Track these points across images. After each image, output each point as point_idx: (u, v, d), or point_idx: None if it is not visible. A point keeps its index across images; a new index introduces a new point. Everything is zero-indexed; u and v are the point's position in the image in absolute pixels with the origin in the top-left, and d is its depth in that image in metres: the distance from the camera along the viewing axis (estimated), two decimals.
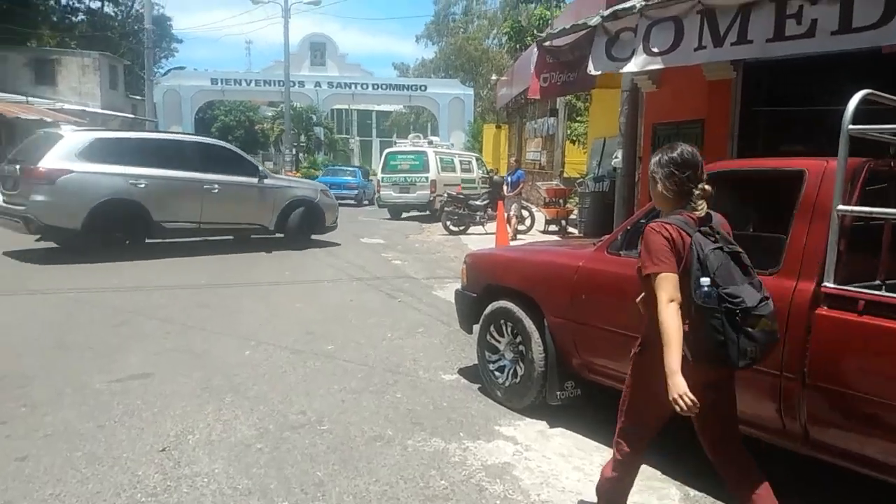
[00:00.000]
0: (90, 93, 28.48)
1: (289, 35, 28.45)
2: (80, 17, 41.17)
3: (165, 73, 38.65)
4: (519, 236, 13.73)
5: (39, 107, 23.29)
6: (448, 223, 15.23)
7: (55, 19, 37.73)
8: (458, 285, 5.16)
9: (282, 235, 11.46)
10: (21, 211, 9.16)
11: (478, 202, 15.45)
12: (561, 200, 15.23)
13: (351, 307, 7.08)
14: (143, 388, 4.51)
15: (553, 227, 14.95)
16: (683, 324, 2.39)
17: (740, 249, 2.49)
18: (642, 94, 9.17)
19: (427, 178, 18.76)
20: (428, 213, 18.05)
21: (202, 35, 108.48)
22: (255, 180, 11.15)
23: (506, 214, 15.08)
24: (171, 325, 6.13)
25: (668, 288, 2.40)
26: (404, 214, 19.50)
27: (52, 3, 37.87)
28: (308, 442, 3.75)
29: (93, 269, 8.78)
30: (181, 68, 43.03)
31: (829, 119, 3.16)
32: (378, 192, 19.69)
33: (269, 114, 41.26)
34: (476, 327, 4.77)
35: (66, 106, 24.75)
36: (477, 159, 23.19)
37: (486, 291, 4.59)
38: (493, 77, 35.59)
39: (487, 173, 21.99)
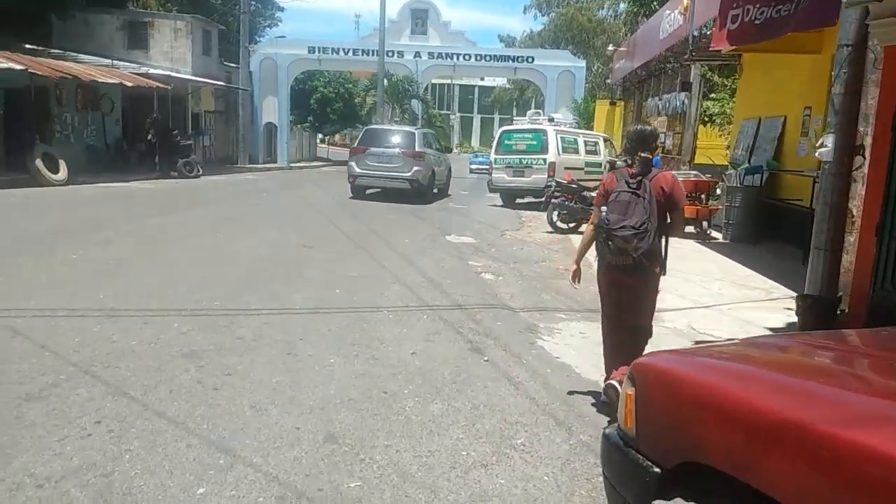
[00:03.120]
0: (181, 58, 27.23)
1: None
2: None
3: (259, 41, 37.35)
4: None
5: (123, 70, 22.05)
6: (555, 218, 12.45)
7: None
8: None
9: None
10: (408, 176, 15.86)
11: (593, 193, 12.53)
12: (703, 195, 12.10)
13: (410, 371, 4.52)
14: None
15: (690, 229, 11.86)
16: None
17: (649, 196, 3.69)
18: (877, 51, 6.07)
19: (545, 160, 16.22)
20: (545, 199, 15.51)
21: (310, 8, 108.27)
22: (445, 155, 19.75)
23: None
24: (114, 402, 3.79)
25: (592, 216, 4.04)
26: (518, 201, 17.11)
27: None
28: None
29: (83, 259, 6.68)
30: (282, 37, 41.88)
31: None
32: (490, 174, 17.35)
33: (365, 83, 39.28)
34: None
35: (152, 70, 23.43)
36: (605, 140, 20.17)
37: (691, 471, 1.89)
38: (610, 47, 31.95)
39: (617, 157, 19.06)
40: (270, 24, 45.43)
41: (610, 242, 3.74)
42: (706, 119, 18.41)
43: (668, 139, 20.56)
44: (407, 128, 18.91)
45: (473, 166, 35.62)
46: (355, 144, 17.80)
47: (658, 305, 6.73)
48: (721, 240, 11.54)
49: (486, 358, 4.84)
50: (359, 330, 5.35)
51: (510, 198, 17.48)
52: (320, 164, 42.27)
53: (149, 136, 21.99)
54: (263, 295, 6.29)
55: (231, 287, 6.51)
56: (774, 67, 12.30)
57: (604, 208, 3.82)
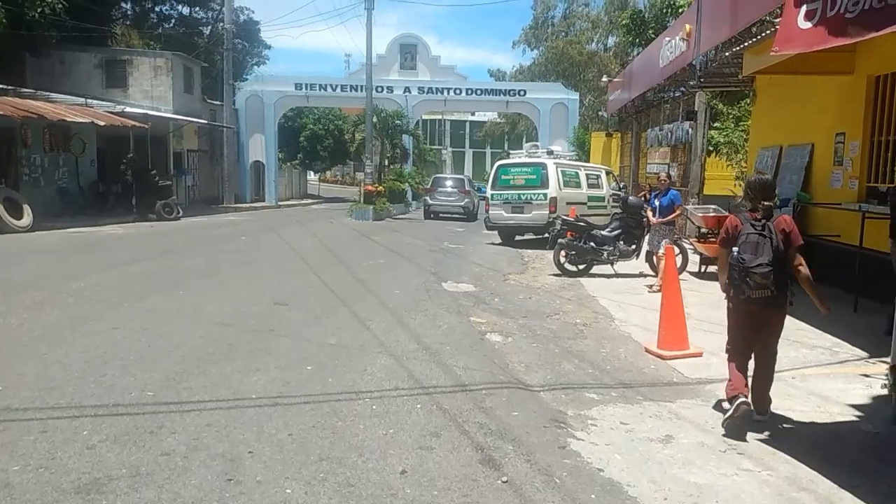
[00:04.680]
0: (162, 96, 26.16)
1: (371, 28, 25.08)
2: (173, 23, 39.77)
3: (246, 79, 36.42)
4: None
5: (97, 109, 20.90)
6: (562, 259, 11.21)
7: (145, 22, 36.30)
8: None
9: None
10: (462, 205, 24.85)
11: (605, 232, 11.32)
12: None
13: None
14: None
15: (714, 269, 10.63)
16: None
17: (775, 236, 4.22)
18: None
19: (546, 195, 15.15)
20: (547, 236, 14.36)
21: (299, 49, 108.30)
22: (471, 190, 26.43)
23: (646, 249, 10.95)
24: None
25: (720, 255, 4.68)
26: (518, 238, 15.98)
27: (147, 6, 36.61)
28: None
29: None
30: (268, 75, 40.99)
31: None
32: (487, 211, 16.23)
33: (355, 119, 38.37)
34: None
35: (128, 109, 22.32)
36: (607, 173, 19.09)
37: None
38: (605, 79, 31.16)
39: (620, 189, 17.96)
40: (258, 62, 44.61)
41: (748, 279, 4.23)
42: (711, 149, 17.40)
43: (672, 170, 19.50)
44: (459, 175, 31.97)
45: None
46: (428, 186, 27.78)
47: (707, 374, 5.53)
48: None
49: (504, 478, 3.52)
50: (330, 432, 4.03)
51: (509, 235, 16.34)
52: (311, 201, 41.15)
53: (126, 178, 20.81)
54: (213, 378, 4.97)
55: (175, 367, 5.18)
56: (796, 91, 11.22)
57: (734, 249, 4.34)
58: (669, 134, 19.72)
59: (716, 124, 17.85)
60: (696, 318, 7.31)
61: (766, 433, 4.36)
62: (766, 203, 4.39)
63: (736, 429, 4.25)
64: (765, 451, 4.06)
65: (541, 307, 8.36)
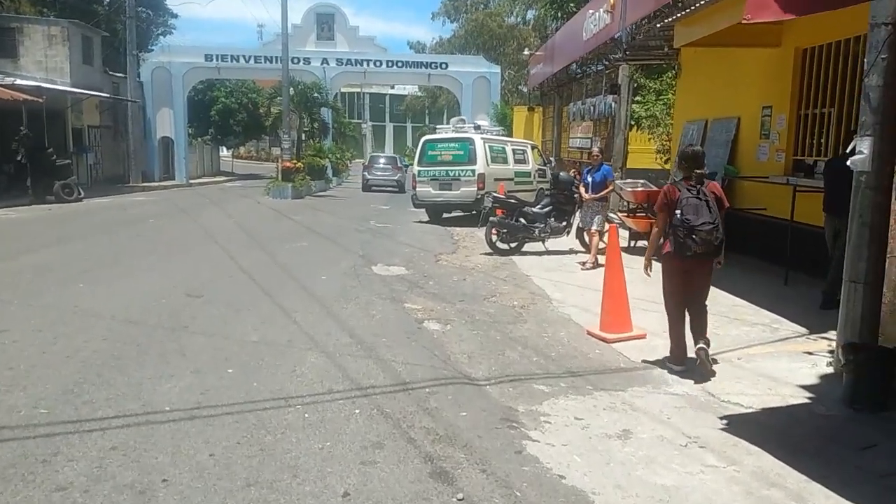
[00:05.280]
0: (58, 67, 24.17)
1: None
2: None
3: (152, 51, 34.22)
4: (602, 260, 9.41)
5: None
6: (494, 238, 10.91)
7: None
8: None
9: None
10: (396, 179, 28.34)
11: (536, 209, 11.08)
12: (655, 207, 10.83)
13: None
14: None
15: (644, 243, 10.58)
16: (670, 236, 4.83)
17: (710, 199, 4.72)
18: None
19: (474, 171, 14.80)
20: (475, 213, 14.08)
21: (209, 18, 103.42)
22: (401, 167, 29.41)
23: (577, 226, 10.79)
24: None
25: (657, 220, 5.06)
26: (445, 215, 15.78)
27: None
28: None
29: None
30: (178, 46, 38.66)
31: None
32: (414, 188, 15.77)
33: (270, 91, 36.83)
34: None
35: (19, 81, 20.49)
36: (533, 147, 18.86)
37: None
38: (526, 52, 31.03)
39: (545, 165, 17.76)
40: (164, 32, 42.03)
41: (695, 236, 4.64)
42: (632, 123, 17.50)
43: (595, 144, 19.52)
44: (392, 154, 35.65)
45: None
46: (365, 163, 30.83)
47: (653, 357, 5.35)
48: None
49: (459, 494, 3.14)
50: (258, 449, 3.54)
51: (437, 213, 15.95)
52: (224, 179, 39.41)
53: (18, 157, 19.08)
54: (119, 388, 4.36)
55: (73, 376, 4.53)
56: (722, 64, 11.23)
57: (677, 212, 4.71)
58: (592, 108, 19.70)
59: (637, 98, 17.93)
60: (634, 297, 7.09)
61: (725, 422, 4.17)
62: (698, 171, 4.90)
63: (706, 372, 4.90)
64: (726, 443, 3.86)
65: (476, 289, 8.02)
